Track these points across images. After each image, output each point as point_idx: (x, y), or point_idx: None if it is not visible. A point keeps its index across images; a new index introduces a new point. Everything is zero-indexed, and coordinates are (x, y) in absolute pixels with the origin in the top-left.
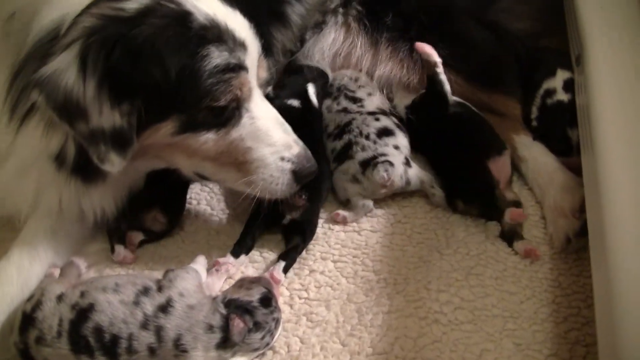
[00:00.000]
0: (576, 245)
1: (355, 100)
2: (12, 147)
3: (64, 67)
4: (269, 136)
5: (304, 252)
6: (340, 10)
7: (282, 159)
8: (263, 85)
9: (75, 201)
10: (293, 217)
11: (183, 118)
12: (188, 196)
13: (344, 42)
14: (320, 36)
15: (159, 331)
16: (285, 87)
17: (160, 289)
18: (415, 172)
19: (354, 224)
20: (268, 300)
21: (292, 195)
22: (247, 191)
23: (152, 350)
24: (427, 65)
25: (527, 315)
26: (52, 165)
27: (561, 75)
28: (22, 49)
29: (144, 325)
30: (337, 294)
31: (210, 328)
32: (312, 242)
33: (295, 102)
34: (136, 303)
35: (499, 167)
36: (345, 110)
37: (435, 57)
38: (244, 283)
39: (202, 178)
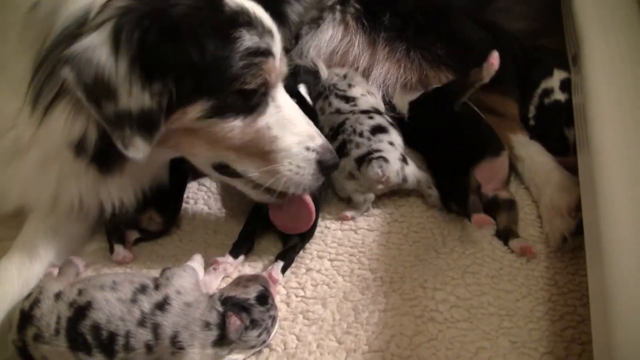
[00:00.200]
0: (572, 244)
1: (347, 99)
2: (34, 139)
3: (97, 44)
4: (295, 125)
5: (301, 251)
6: (338, 7)
7: (307, 148)
8: (283, 80)
9: (94, 194)
10: None
11: (212, 101)
12: (185, 195)
13: (341, 40)
14: (317, 32)
15: (156, 328)
16: None
17: (157, 286)
18: (413, 171)
19: (351, 222)
20: (265, 298)
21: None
22: (270, 184)
23: (149, 348)
24: (477, 75)
25: (523, 313)
26: (71, 154)
27: (558, 75)
28: (46, 38)
29: (141, 323)
30: (333, 292)
31: (207, 325)
32: (309, 241)
33: None
34: (133, 301)
35: (496, 167)
36: (338, 112)
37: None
38: (241, 281)
39: (220, 171)
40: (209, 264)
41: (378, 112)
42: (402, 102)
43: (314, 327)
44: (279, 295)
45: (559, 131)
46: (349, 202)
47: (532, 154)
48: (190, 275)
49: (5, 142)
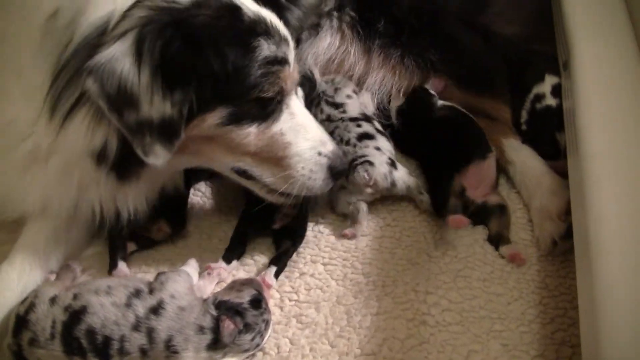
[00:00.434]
0: (562, 247)
1: (336, 105)
2: (53, 147)
3: (120, 54)
4: (307, 131)
5: (294, 256)
6: (335, 14)
7: (319, 154)
8: (295, 87)
9: (112, 200)
10: (283, 223)
11: (230, 109)
12: None
13: (338, 48)
14: (316, 39)
15: (150, 332)
16: None
17: (151, 291)
18: (402, 176)
19: (344, 227)
20: (258, 302)
21: (285, 206)
22: (283, 188)
23: (143, 352)
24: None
25: (514, 316)
26: (92, 162)
27: (550, 81)
28: (65, 46)
29: (136, 327)
30: (326, 296)
31: (201, 329)
32: (303, 245)
33: None
34: (128, 305)
35: (483, 171)
36: (329, 119)
37: None
38: (235, 285)
39: (240, 175)
40: (203, 269)
41: (366, 119)
42: (393, 109)
43: (307, 331)
44: (272, 299)
45: (551, 136)
46: (344, 217)
47: (523, 158)
48: (185, 279)
49: (23, 148)
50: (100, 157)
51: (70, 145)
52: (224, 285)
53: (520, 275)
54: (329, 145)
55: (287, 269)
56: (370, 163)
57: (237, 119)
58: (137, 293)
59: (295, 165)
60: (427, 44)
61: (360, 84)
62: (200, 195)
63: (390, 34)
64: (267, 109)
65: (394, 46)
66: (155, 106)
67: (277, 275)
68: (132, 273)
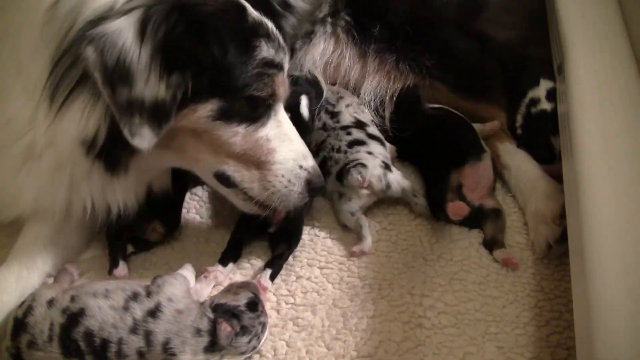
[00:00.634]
0: (557, 251)
1: (332, 115)
2: (48, 137)
3: (124, 28)
4: (292, 142)
5: (291, 259)
6: (329, 19)
7: (300, 167)
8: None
9: (102, 196)
10: (278, 227)
11: (222, 103)
12: None
13: (333, 52)
14: (310, 46)
15: (148, 335)
16: None
17: (149, 294)
18: (397, 178)
19: (339, 231)
20: (255, 304)
21: (273, 212)
22: (260, 196)
23: (141, 354)
24: None
25: (510, 319)
26: (81, 151)
27: (545, 85)
28: (67, 32)
29: (134, 330)
30: (323, 299)
31: (198, 332)
32: (299, 248)
33: None
34: (126, 308)
35: (480, 171)
36: (323, 127)
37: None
38: (232, 288)
39: (220, 180)
40: (200, 272)
41: (358, 126)
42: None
43: (304, 334)
44: (269, 302)
45: (546, 140)
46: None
47: (518, 162)
48: (181, 282)
49: (20, 145)
50: (89, 145)
51: (65, 135)
52: (220, 288)
53: (515, 279)
54: (310, 161)
55: (283, 272)
56: (363, 165)
57: (228, 115)
58: (134, 296)
59: (276, 172)
60: (423, 49)
61: (356, 89)
62: (197, 199)
63: (386, 39)
64: (257, 110)
65: (389, 51)
66: (150, 86)
67: (272, 277)
68: (129, 276)
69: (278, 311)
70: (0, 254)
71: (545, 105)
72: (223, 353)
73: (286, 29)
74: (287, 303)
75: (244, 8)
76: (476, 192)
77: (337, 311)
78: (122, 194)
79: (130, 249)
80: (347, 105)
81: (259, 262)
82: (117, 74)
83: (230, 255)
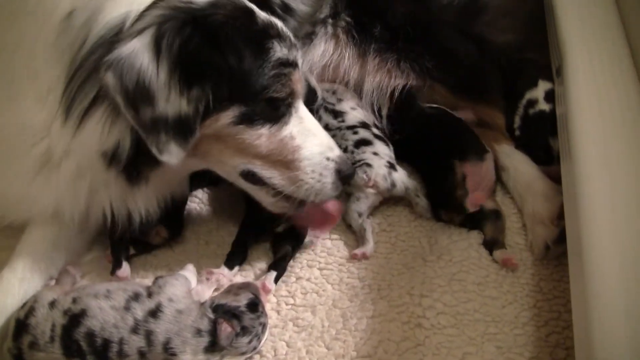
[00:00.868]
0: (555, 252)
1: (336, 114)
2: (68, 148)
3: (139, 49)
4: (316, 136)
5: (291, 260)
6: (330, 21)
7: (328, 159)
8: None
9: (123, 204)
10: (286, 226)
11: (243, 108)
12: None
13: (333, 53)
14: (310, 48)
15: (148, 335)
16: None
17: (150, 294)
18: (401, 177)
19: (339, 231)
20: (255, 305)
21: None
22: (293, 193)
23: (142, 354)
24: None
25: (509, 319)
26: (103, 163)
27: (543, 86)
28: (80, 45)
29: (135, 330)
30: (322, 300)
31: (198, 332)
32: (299, 250)
33: None
34: (127, 308)
35: (482, 172)
36: (326, 128)
37: None
38: (232, 289)
39: (246, 179)
40: (202, 274)
41: (364, 126)
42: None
43: (304, 334)
44: (269, 303)
45: (544, 141)
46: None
47: (516, 164)
48: (182, 283)
49: (35, 152)
50: (111, 158)
51: (85, 147)
52: (221, 290)
53: (514, 279)
54: (336, 151)
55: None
56: (368, 165)
57: (250, 119)
58: (135, 297)
59: (304, 169)
60: (422, 50)
61: (356, 89)
62: (197, 201)
63: (386, 39)
64: (278, 110)
65: (390, 51)
66: (172, 102)
67: (276, 280)
68: (131, 278)
69: (278, 312)
70: (1, 256)
71: (544, 106)
72: (223, 353)
73: None
74: (287, 304)
75: (252, 11)
76: (478, 192)
77: (337, 312)
78: (144, 201)
79: (131, 250)
80: (353, 108)
81: (259, 264)
82: (139, 96)
83: (236, 258)
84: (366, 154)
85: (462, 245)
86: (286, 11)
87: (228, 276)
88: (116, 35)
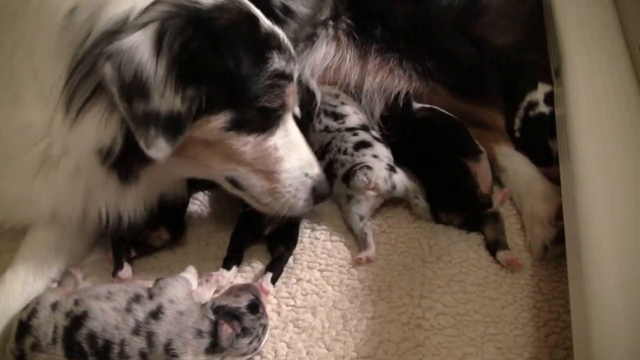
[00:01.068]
0: (553, 252)
1: (336, 116)
2: (66, 145)
3: (140, 43)
4: (299, 151)
5: (291, 262)
6: (331, 22)
7: (306, 175)
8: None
9: (116, 204)
10: (273, 228)
11: (234, 114)
12: None
13: (334, 55)
14: (312, 50)
15: (150, 336)
16: None
17: (151, 296)
18: (401, 179)
19: (340, 233)
20: (256, 306)
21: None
22: (268, 202)
23: (143, 355)
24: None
25: (508, 320)
26: (97, 160)
27: (543, 89)
28: (83, 40)
29: (136, 331)
30: (323, 301)
31: (199, 333)
32: (299, 251)
33: None
34: (128, 310)
35: (481, 172)
36: (326, 130)
37: None
38: (233, 290)
39: (232, 183)
40: (202, 275)
41: (364, 128)
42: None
43: (304, 335)
44: (270, 304)
45: (544, 143)
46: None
47: (514, 165)
48: (183, 285)
49: (35, 151)
50: (106, 155)
51: (82, 143)
52: (222, 292)
53: (514, 280)
54: (316, 168)
55: (284, 275)
56: (369, 167)
57: (240, 125)
58: (136, 298)
59: (283, 181)
60: (423, 52)
61: (357, 91)
62: (198, 204)
63: (387, 40)
64: (268, 120)
65: (392, 50)
66: (166, 99)
67: (273, 280)
68: (132, 280)
69: (279, 313)
70: (4, 259)
71: (544, 108)
72: (224, 354)
73: (288, 35)
74: (287, 305)
75: (257, 19)
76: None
77: (337, 313)
78: (133, 202)
79: (132, 252)
80: (355, 112)
81: (259, 266)
82: (134, 89)
83: (232, 259)
84: (366, 156)
85: (461, 247)
86: (286, 13)
87: (228, 277)
88: (119, 30)
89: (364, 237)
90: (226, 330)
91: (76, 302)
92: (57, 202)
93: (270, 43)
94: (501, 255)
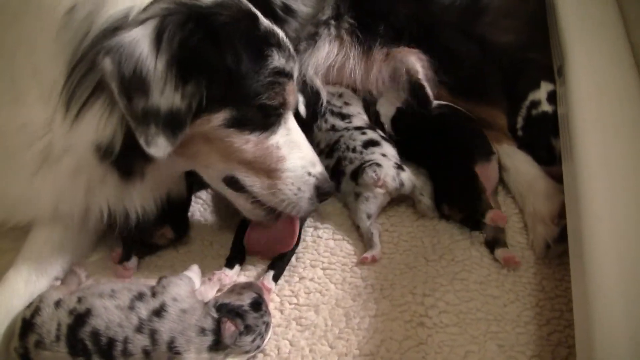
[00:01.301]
0: (555, 251)
1: (343, 116)
2: (66, 142)
3: (140, 38)
4: (301, 150)
5: (294, 260)
6: (332, 22)
7: (309, 173)
8: (295, 104)
9: (120, 202)
10: None
11: (235, 112)
12: None
13: (337, 54)
14: (314, 49)
15: (153, 334)
16: None
17: (154, 294)
18: (408, 176)
19: (342, 232)
20: (258, 304)
21: (277, 216)
22: (270, 202)
23: (146, 353)
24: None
25: (511, 318)
26: (96, 157)
27: (545, 87)
28: (82, 38)
29: (139, 329)
30: (325, 299)
31: (202, 331)
32: (302, 250)
33: None
34: (131, 308)
35: (488, 172)
36: (333, 129)
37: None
38: (235, 288)
39: (229, 185)
40: (205, 274)
41: (371, 127)
42: (386, 117)
43: (307, 333)
44: (272, 302)
45: (547, 141)
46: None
47: (517, 164)
48: (186, 283)
49: (36, 149)
50: (105, 152)
51: (82, 140)
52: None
53: (516, 278)
54: (318, 167)
55: (287, 273)
56: (378, 164)
57: (240, 123)
58: (140, 296)
59: (285, 180)
60: (425, 51)
61: (362, 88)
62: (201, 202)
63: (390, 37)
64: (268, 118)
65: (395, 45)
66: (166, 96)
67: (275, 279)
68: (135, 278)
69: (282, 311)
70: (6, 258)
71: (546, 107)
72: (227, 352)
73: (289, 34)
74: (290, 303)
75: (256, 17)
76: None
77: (340, 311)
78: (140, 199)
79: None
80: (360, 113)
81: (262, 264)
82: (134, 85)
83: (235, 258)
84: (375, 154)
85: (464, 245)
86: (287, 12)
87: (230, 276)
88: (119, 28)
89: (370, 236)
90: (229, 327)
91: (79, 300)
92: (58, 200)
93: (269, 40)
94: (499, 253)
